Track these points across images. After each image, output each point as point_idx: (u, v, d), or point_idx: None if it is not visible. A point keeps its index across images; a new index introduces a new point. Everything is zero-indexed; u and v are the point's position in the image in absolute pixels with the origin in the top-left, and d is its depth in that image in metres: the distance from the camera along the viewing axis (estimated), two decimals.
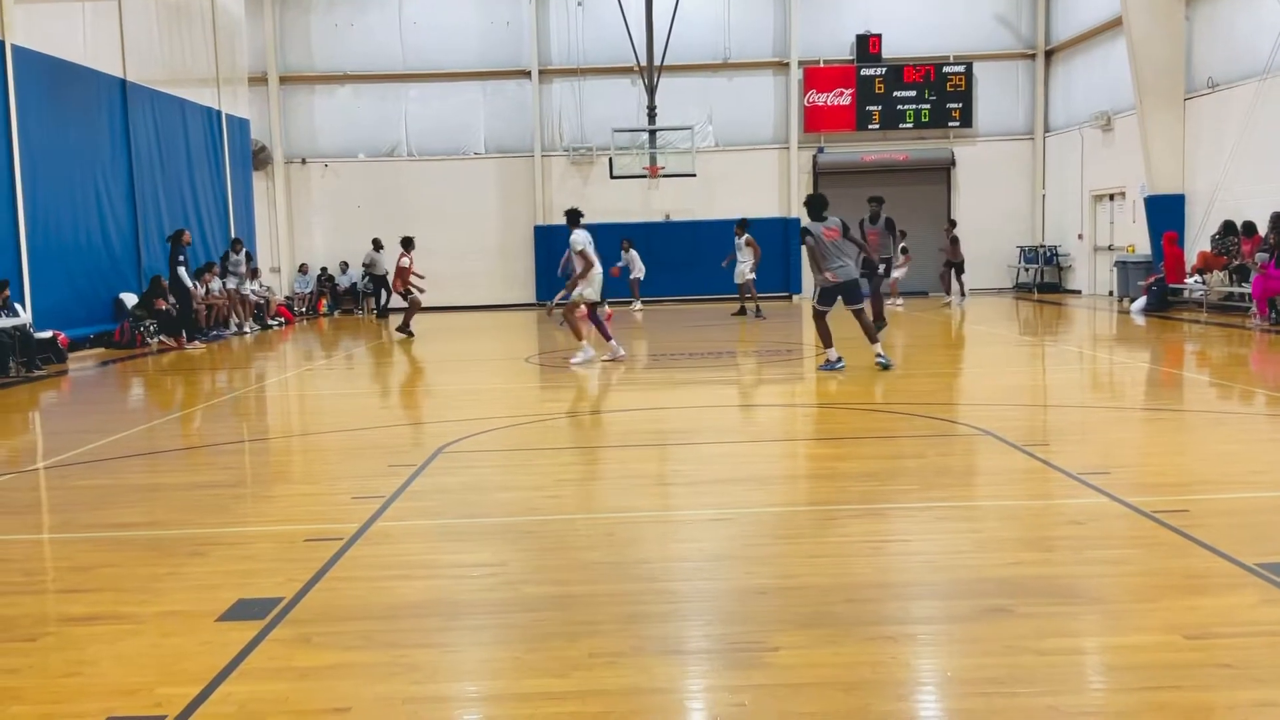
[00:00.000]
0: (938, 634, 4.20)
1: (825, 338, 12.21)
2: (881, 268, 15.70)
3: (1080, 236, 26.72)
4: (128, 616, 4.52)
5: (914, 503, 6.27)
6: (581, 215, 14.12)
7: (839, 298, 12.05)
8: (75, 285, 17.75)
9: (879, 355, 12.08)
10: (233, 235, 23.84)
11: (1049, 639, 4.03)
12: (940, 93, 28.10)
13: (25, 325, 15.07)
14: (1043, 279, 27.70)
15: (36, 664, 4.05)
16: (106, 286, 18.74)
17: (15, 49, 16.21)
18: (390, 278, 20.45)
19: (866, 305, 12.78)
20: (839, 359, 12.07)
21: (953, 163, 28.50)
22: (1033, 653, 3.90)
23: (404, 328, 19.26)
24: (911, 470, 7.21)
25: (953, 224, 24.67)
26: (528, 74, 28.24)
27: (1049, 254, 27.81)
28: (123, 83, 19.44)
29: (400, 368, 15.67)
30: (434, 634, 4.30)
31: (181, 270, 17.74)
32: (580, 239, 13.66)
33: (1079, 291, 26.60)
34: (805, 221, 12.42)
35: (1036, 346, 15.66)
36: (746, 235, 21.56)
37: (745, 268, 21.48)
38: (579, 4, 28.01)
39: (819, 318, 12.23)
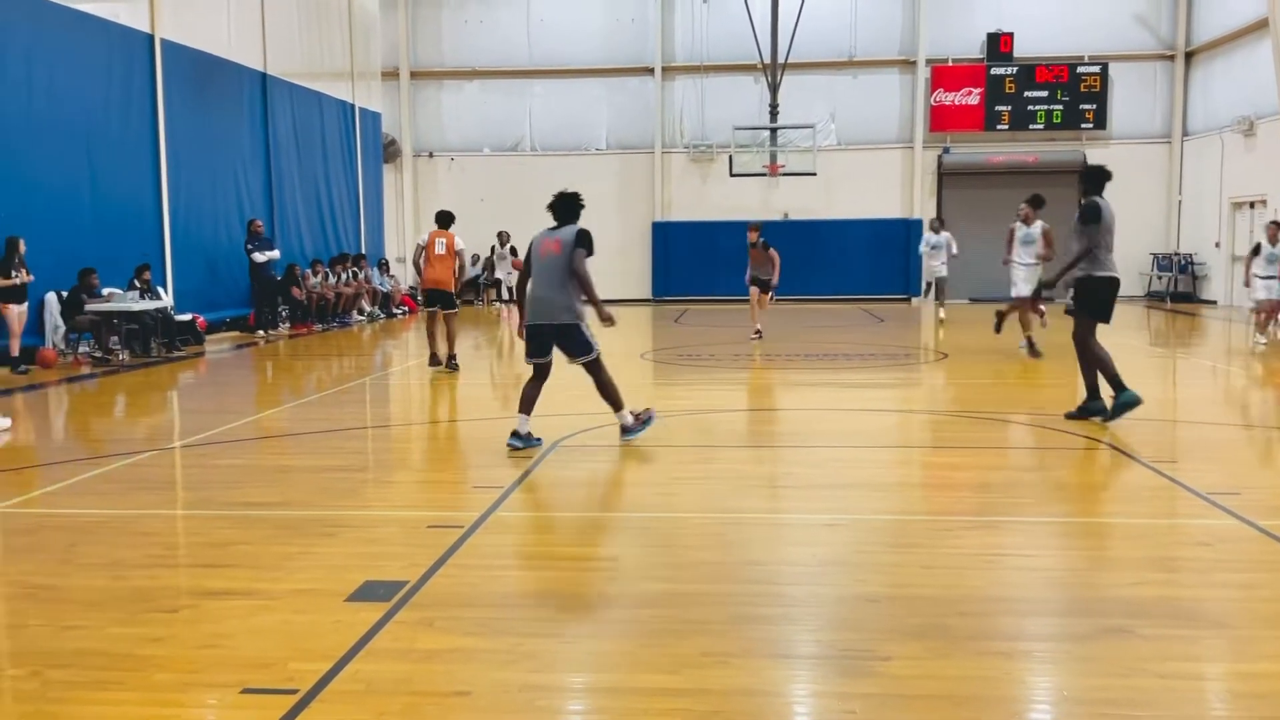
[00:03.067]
0: (1054, 652, 4.14)
1: (524, 400, 8.03)
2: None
3: (1218, 245, 25.67)
4: (262, 593, 4.75)
5: (1032, 516, 6.16)
6: None
7: (553, 347, 8.02)
8: (214, 270, 18.53)
9: (624, 429, 8.24)
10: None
11: (1171, 662, 3.95)
12: (1073, 93, 27.31)
13: (166, 308, 15.82)
14: (1176, 288, 26.69)
15: (177, 634, 4.29)
16: (243, 272, 19.51)
17: (164, 42, 17.02)
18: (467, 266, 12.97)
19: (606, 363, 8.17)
20: (526, 435, 7.97)
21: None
22: (1154, 675, 3.82)
23: (452, 358, 13.18)
24: (1030, 483, 7.08)
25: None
26: (651, 71, 28.39)
27: (1184, 262, 26.78)
28: (263, 76, 20.21)
29: (516, 360, 15.93)
30: (550, 624, 4.41)
31: (255, 255, 18.27)
32: None
33: (1214, 302, 25.55)
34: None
35: (1167, 358, 15.14)
36: (945, 232, 19.03)
37: (939, 265, 18.73)
38: (704, 1, 28.03)
39: (536, 374, 8.15)
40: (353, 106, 24.43)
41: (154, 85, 16.83)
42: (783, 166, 25.94)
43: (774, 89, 25.85)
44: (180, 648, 4.14)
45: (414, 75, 29.03)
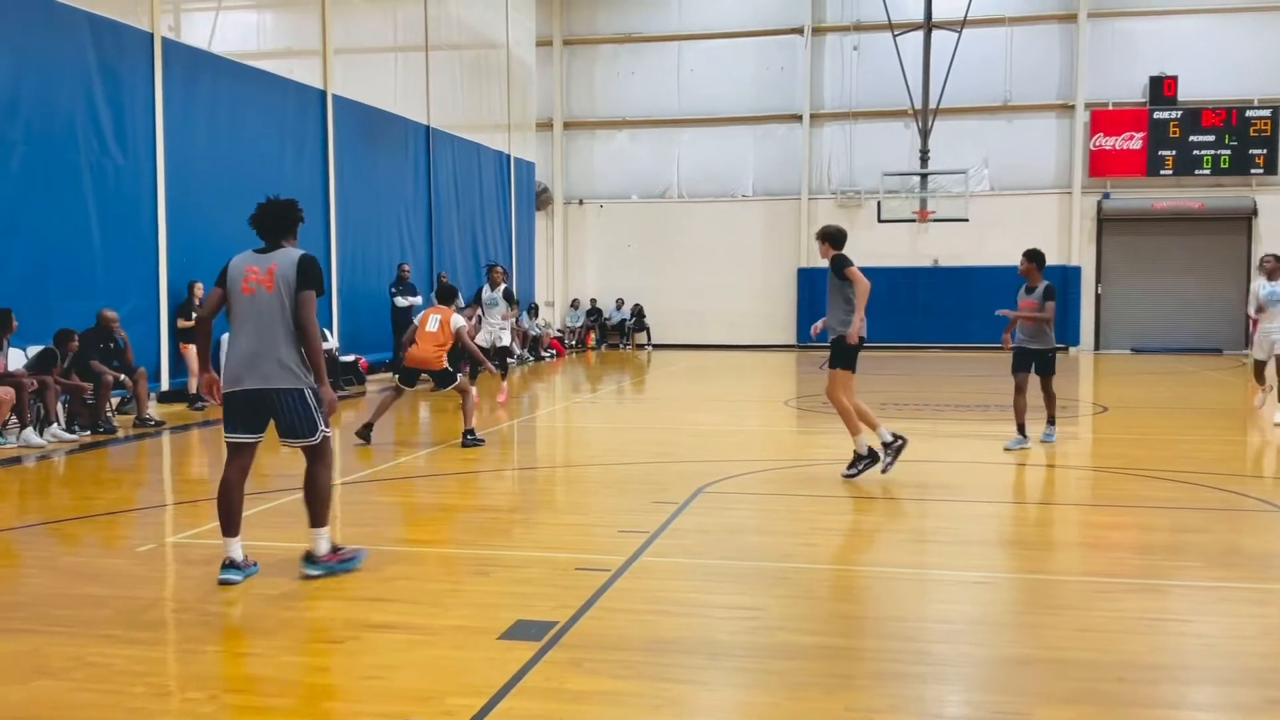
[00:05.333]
0: None
1: (224, 512, 5.81)
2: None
3: None
4: (421, 627, 4.96)
5: (1196, 580, 5.92)
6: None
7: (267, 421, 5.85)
8: (377, 313, 19.33)
9: (309, 556, 5.88)
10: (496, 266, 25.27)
11: None
12: (1242, 137, 26.21)
13: (332, 349, 16.60)
14: None
15: (343, 665, 4.52)
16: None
17: (335, 98, 17.99)
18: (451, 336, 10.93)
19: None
20: (241, 562, 5.79)
21: (1254, 212, 26.43)
22: None
23: (468, 434, 10.88)
24: (1195, 545, 6.79)
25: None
26: (799, 118, 28.50)
27: None
28: (427, 128, 21.13)
29: (662, 405, 16.12)
30: (695, 671, 4.48)
31: (397, 299, 18.97)
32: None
33: None
34: None
35: None
36: None
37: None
38: (854, 48, 28.06)
39: (233, 460, 5.91)
40: (509, 157, 25.26)
41: (325, 138, 17.79)
42: (933, 212, 25.61)
43: (925, 134, 25.60)
44: (345, 677, 4.36)
45: (567, 126, 29.88)
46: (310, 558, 5.81)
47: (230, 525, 5.76)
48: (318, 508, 5.84)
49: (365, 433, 10.93)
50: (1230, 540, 6.98)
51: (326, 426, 5.80)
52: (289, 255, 5.75)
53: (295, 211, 5.90)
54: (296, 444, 5.76)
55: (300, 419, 5.68)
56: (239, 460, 5.81)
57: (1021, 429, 10.65)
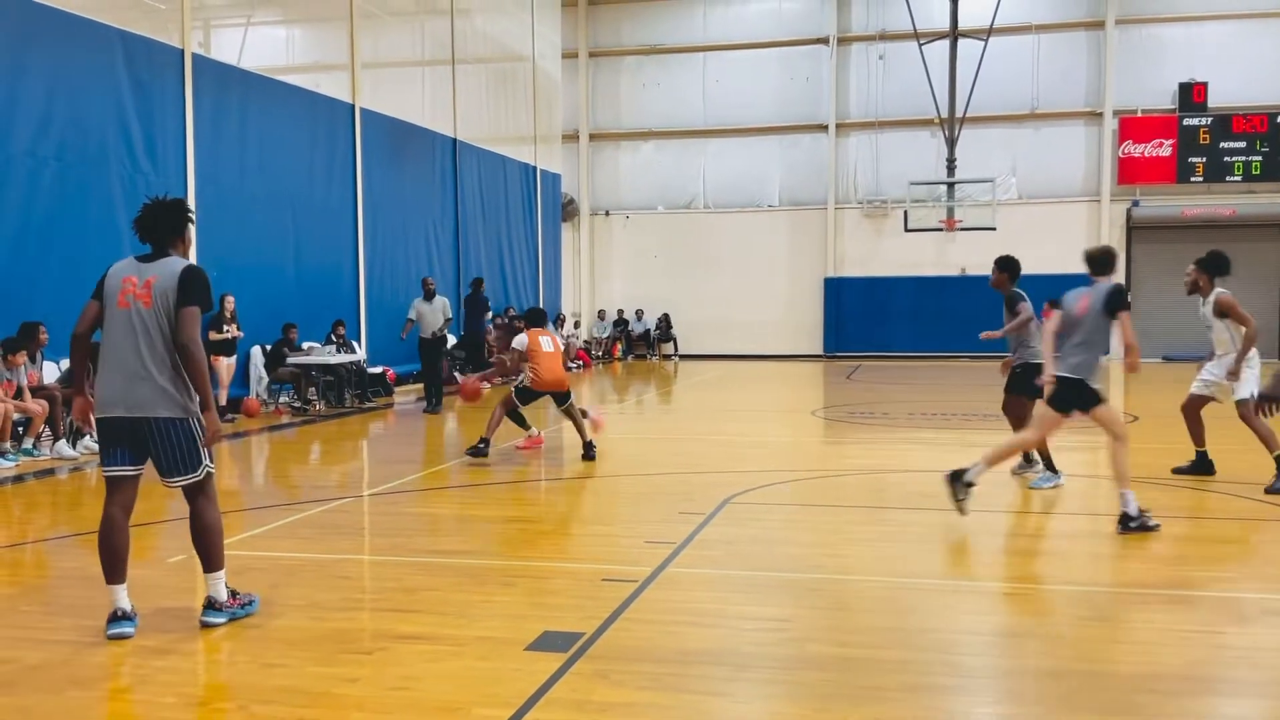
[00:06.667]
0: None
1: (108, 558, 5.13)
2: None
3: None
4: (448, 638, 4.97)
5: (1233, 592, 5.84)
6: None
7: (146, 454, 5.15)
8: (404, 324, 19.41)
9: (210, 603, 5.25)
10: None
11: None
12: (1274, 143, 25.95)
13: (360, 361, 16.69)
14: None
15: (372, 675, 4.52)
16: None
17: (363, 111, 18.12)
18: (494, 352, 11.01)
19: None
20: (128, 613, 5.11)
21: None
22: None
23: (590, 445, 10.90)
24: (1232, 556, 6.71)
25: None
26: (824, 128, 28.46)
27: None
28: (454, 141, 21.25)
29: (689, 415, 16.09)
30: (722, 683, 4.46)
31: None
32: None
33: None
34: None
35: None
36: None
37: None
38: (880, 58, 28.01)
39: (114, 497, 5.12)
40: (534, 168, 25.36)
41: (354, 152, 17.92)
42: (960, 221, 25.51)
43: (951, 143, 25.51)
44: (373, 688, 4.37)
45: (593, 137, 29.98)
46: (212, 604, 5.20)
47: (116, 571, 5.07)
48: (210, 550, 5.19)
49: (588, 450, 10.69)
50: (1265, 551, 6.89)
51: (210, 460, 5.18)
52: (170, 266, 5.07)
53: (183, 213, 5.23)
54: (178, 483, 5.10)
55: (182, 453, 5.03)
56: (121, 496, 5.10)
57: (1029, 459, 9.39)
